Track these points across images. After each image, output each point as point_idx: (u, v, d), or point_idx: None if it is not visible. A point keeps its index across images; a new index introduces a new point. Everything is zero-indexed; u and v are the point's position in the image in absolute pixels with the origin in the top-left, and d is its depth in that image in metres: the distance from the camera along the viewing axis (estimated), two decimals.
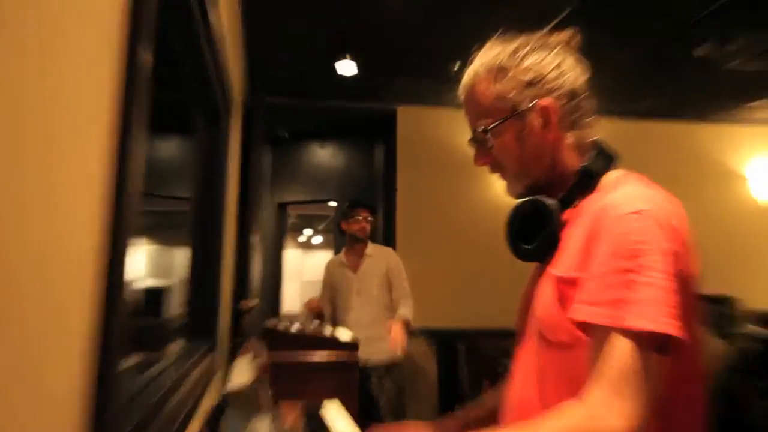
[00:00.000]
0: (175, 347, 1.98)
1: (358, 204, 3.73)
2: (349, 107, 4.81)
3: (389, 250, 3.78)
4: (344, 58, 3.77)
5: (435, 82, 4.23)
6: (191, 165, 2.15)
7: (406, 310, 3.52)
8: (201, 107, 2.10)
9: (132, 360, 1.39)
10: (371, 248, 3.69)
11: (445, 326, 4.59)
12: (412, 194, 4.78)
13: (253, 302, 3.52)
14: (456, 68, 3.79)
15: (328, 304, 3.68)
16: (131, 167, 0.81)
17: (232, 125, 2.45)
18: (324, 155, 5.71)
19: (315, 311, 3.60)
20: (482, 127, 1.03)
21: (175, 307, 2.28)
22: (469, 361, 4.49)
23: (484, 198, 4.74)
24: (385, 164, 5.09)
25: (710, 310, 4.22)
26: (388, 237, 4.71)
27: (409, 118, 4.86)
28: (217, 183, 2.21)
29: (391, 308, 3.57)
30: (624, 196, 0.89)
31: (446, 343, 4.57)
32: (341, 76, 4.01)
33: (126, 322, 0.82)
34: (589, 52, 1.06)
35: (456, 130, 4.67)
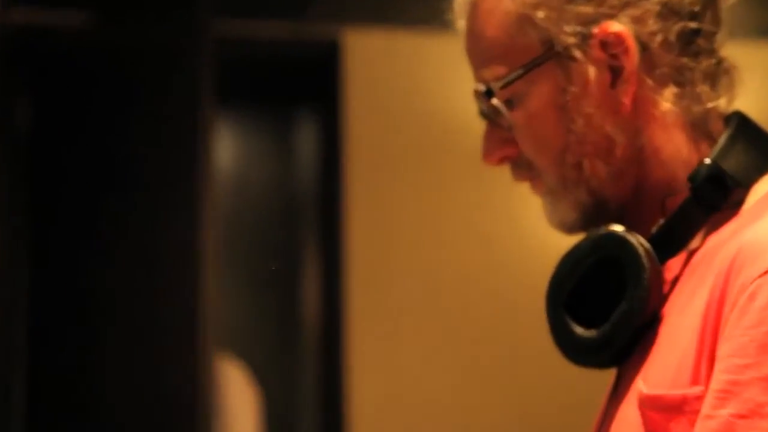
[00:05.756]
0: None
1: None
2: (238, 34, 3.99)
3: None
4: None
5: None
6: None
7: None
8: None
9: None
10: None
11: None
12: (378, 218, 4.00)
13: None
14: None
15: None
16: None
17: None
18: None
19: None
20: (488, 84, 0.86)
21: None
22: None
23: (526, 220, 3.83)
24: (322, 156, 4.25)
25: None
26: (329, 312, 3.74)
27: (367, 55, 4.16)
28: None
29: None
30: None
31: None
32: None
33: None
34: None
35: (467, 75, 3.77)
